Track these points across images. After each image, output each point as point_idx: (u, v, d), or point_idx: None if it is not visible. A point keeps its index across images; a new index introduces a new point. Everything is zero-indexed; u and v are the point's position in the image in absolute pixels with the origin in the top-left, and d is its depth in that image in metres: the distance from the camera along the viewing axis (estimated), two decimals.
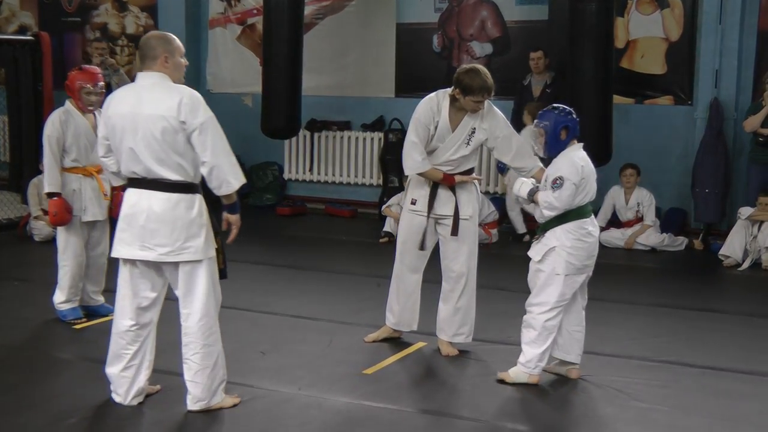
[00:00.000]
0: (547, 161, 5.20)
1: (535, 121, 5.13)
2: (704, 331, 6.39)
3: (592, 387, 5.12)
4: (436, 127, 5.47)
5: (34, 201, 9.09)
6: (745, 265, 8.39)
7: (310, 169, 11.56)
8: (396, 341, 5.90)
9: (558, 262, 4.98)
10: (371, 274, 7.76)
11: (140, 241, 4.39)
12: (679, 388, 5.16)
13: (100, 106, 5.67)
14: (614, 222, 9.46)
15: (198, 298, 4.45)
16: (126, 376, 4.60)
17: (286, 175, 11.69)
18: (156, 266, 4.49)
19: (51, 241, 8.87)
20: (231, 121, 11.57)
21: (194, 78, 11.71)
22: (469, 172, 5.65)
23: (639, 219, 9.27)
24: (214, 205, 4.53)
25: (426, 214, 5.60)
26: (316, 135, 11.41)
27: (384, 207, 9.77)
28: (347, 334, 6.11)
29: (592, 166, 5.07)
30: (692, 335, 6.26)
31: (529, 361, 5.07)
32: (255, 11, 11.65)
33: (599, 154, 8.57)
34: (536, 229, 5.22)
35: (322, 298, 7.07)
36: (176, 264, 4.43)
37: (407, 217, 5.71)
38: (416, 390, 5.06)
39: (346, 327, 6.27)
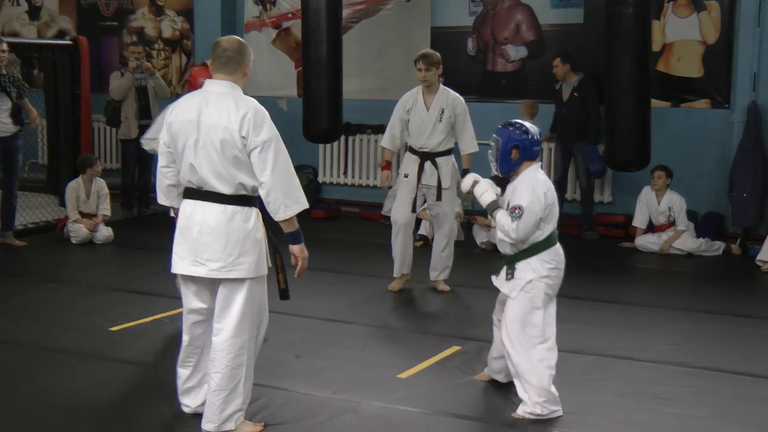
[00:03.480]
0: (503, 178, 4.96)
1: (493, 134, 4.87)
2: (743, 337, 6.32)
3: (629, 393, 5.08)
4: (409, 112, 7.16)
5: (71, 204, 9.19)
6: None
7: (345, 173, 11.58)
8: (430, 345, 5.90)
9: (537, 295, 4.68)
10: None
11: (193, 255, 4.19)
12: (718, 395, 5.12)
13: None
14: (647, 227, 9.37)
15: (232, 315, 4.21)
16: (190, 387, 4.52)
17: (320, 179, 11.72)
18: (211, 282, 4.27)
19: (88, 244, 9.02)
20: None
21: None
22: (450, 151, 7.23)
23: (671, 223, 9.18)
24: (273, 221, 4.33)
25: (416, 183, 7.14)
26: (350, 138, 11.42)
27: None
28: (381, 338, 6.13)
29: (552, 189, 4.77)
30: (731, 341, 6.19)
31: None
32: (290, 15, 11.70)
33: (637, 159, 8.54)
34: (500, 259, 4.86)
35: (357, 301, 7.09)
36: (230, 280, 4.20)
37: (402, 187, 7.26)
38: (451, 394, 5.05)
39: (381, 330, 6.29)
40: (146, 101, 10.39)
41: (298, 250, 4.22)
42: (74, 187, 9.22)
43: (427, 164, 7.16)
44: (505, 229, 4.67)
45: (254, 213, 4.20)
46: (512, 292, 4.72)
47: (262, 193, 4.09)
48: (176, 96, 11.83)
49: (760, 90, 9.38)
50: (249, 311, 4.23)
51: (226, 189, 4.11)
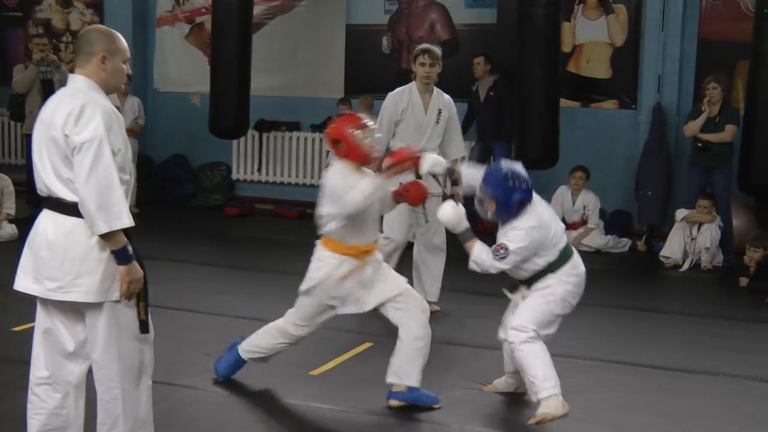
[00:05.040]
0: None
1: (482, 185, 4.62)
2: (646, 330, 6.51)
3: None
4: (403, 113, 6.47)
5: None
6: (686, 266, 8.58)
7: (259, 170, 11.51)
8: (342, 342, 5.90)
9: (555, 296, 4.64)
10: None
11: (35, 271, 3.61)
12: (623, 386, 5.25)
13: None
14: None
15: (97, 344, 3.61)
16: None
17: (234, 176, 11.62)
18: (73, 306, 3.63)
19: (13, 242, 8.70)
20: (178, 120, 11.58)
21: (141, 77, 11.60)
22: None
23: (584, 221, 9.40)
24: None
25: None
26: (264, 135, 11.37)
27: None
28: None
29: (546, 216, 4.64)
30: (635, 335, 6.37)
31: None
32: (204, 10, 11.55)
33: (546, 158, 8.69)
34: (513, 283, 4.79)
35: (269, 299, 7.03)
36: (86, 304, 3.57)
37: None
38: (362, 390, 5.05)
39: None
40: (52, 95, 10.12)
41: (123, 271, 3.51)
42: None
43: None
44: (485, 265, 4.57)
45: None
46: (528, 293, 4.66)
47: (79, 202, 3.47)
48: None
49: (664, 92, 9.68)
50: (114, 338, 3.60)
51: (65, 193, 3.52)
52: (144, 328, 3.66)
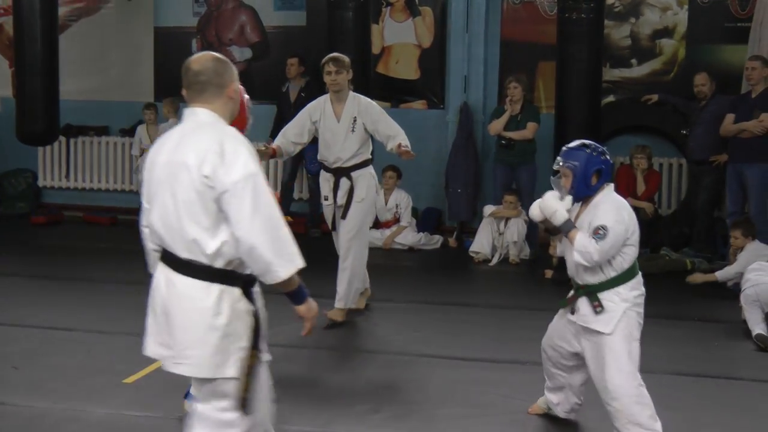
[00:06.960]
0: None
1: (559, 158, 4.40)
2: (457, 324, 6.73)
3: (353, 383, 5.26)
4: (316, 124, 6.46)
5: None
6: (494, 260, 8.90)
7: (67, 176, 11.14)
8: None
9: (632, 325, 4.28)
10: (131, 281, 7.56)
11: (156, 333, 3.33)
12: (436, 380, 5.41)
13: None
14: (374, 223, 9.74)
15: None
16: None
17: (40, 182, 11.18)
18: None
19: None
20: None
21: None
22: (367, 163, 6.50)
23: (396, 220, 9.62)
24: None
25: (333, 204, 6.49)
26: (72, 140, 11.02)
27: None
28: (106, 344, 5.97)
29: (632, 211, 4.38)
30: (447, 329, 6.57)
31: None
32: (1, 11, 11.04)
33: None
34: (576, 290, 4.40)
35: (79, 308, 6.84)
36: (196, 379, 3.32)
37: (325, 212, 6.67)
38: (178, 397, 4.98)
39: (105, 336, 6.12)
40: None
41: (304, 309, 3.30)
42: None
43: (342, 181, 6.45)
44: (586, 251, 4.18)
45: (216, 290, 3.18)
46: (607, 327, 4.24)
47: (241, 250, 3.12)
48: None
49: (470, 92, 10.04)
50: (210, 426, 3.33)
51: (179, 250, 3.18)
52: (244, 406, 3.27)
